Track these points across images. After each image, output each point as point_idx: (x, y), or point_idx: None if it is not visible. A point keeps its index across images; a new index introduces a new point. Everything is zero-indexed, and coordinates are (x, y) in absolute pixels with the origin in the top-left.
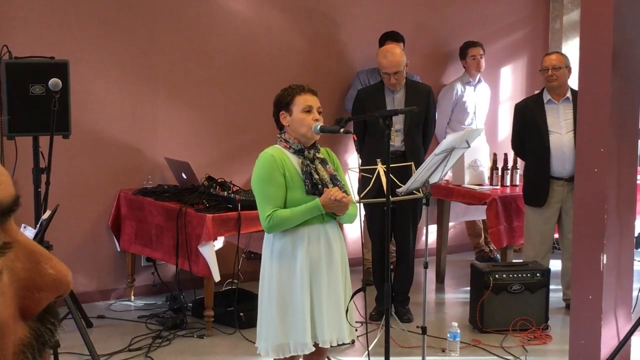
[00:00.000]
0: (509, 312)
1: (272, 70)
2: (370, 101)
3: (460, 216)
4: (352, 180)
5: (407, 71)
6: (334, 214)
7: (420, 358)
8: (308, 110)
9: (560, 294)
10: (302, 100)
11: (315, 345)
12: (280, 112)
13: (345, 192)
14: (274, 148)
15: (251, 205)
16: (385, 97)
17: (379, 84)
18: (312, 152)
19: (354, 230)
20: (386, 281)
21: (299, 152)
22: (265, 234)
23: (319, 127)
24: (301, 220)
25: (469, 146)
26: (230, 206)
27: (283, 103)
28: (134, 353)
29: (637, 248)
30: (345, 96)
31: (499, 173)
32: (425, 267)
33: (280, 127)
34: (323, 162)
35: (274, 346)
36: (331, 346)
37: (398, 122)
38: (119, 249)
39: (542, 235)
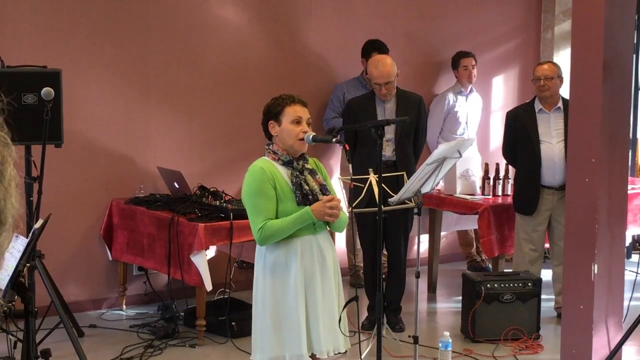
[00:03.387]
0: (500, 321)
1: (263, 81)
2: (361, 111)
3: (452, 226)
4: (342, 190)
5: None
6: (326, 223)
7: None
8: (297, 121)
9: (552, 304)
10: (292, 111)
11: (312, 356)
12: (269, 122)
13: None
14: (263, 160)
15: (243, 214)
16: (376, 107)
17: (369, 94)
18: (300, 163)
19: (344, 239)
20: (378, 290)
21: (287, 164)
22: (258, 246)
23: (311, 136)
24: (293, 229)
25: (461, 156)
26: (223, 215)
27: (272, 113)
28: None
29: (627, 258)
30: (323, 117)
31: (491, 183)
32: (417, 276)
33: (269, 137)
34: (312, 172)
35: (270, 358)
36: (327, 356)
37: (389, 132)
38: (110, 258)
39: (531, 242)
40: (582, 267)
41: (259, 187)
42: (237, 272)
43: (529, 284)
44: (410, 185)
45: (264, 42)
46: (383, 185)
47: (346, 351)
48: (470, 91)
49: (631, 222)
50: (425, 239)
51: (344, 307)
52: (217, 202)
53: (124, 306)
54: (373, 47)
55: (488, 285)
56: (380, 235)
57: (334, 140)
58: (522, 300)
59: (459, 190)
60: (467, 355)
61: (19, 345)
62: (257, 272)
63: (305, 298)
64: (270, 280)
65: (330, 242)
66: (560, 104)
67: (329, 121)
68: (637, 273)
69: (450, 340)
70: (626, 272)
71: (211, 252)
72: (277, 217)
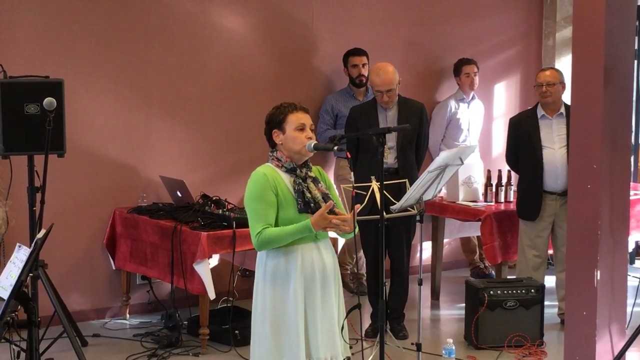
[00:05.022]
0: (504, 328)
1: (265, 90)
2: (363, 119)
3: (454, 233)
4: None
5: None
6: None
7: None
8: (301, 128)
9: (555, 310)
10: (295, 119)
11: None
12: (273, 131)
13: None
14: (266, 167)
15: (246, 223)
16: (378, 115)
17: (371, 102)
18: (304, 170)
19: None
20: (380, 298)
21: (291, 171)
22: (258, 252)
23: (312, 145)
24: (290, 239)
25: (463, 163)
26: (225, 224)
27: (276, 121)
28: None
29: (630, 263)
30: (316, 131)
31: (493, 189)
32: (420, 283)
33: (273, 145)
34: (315, 180)
35: None
36: None
37: (391, 140)
38: (114, 268)
39: (535, 248)
40: (584, 273)
41: (260, 192)
42: (240, 280)
43: (532, 290)
44: (412, 193)
45: (266, 51)
46: (385, 192)
47: (348, 358)
48: (472, 98)
49: (634, 228)
50: (428, 246)
51: (347, 315)
52: (220, 211)
53: (128, 315)
54: (350, 53)
55: (491, 292)
56: (382, 242)
57: (335, 148)
58: (526, 307)
59: (462, 197)
60: None
61: (22, 355)
62: (257, 279)
63: (305, 305)
64: (270, 287)
65: (331, 250)
66: (562, 110)
67: (321, 134)
68: None
69: (454, 347)
70: (629, 278)
71: (214, 260)
72: (277, 223)
